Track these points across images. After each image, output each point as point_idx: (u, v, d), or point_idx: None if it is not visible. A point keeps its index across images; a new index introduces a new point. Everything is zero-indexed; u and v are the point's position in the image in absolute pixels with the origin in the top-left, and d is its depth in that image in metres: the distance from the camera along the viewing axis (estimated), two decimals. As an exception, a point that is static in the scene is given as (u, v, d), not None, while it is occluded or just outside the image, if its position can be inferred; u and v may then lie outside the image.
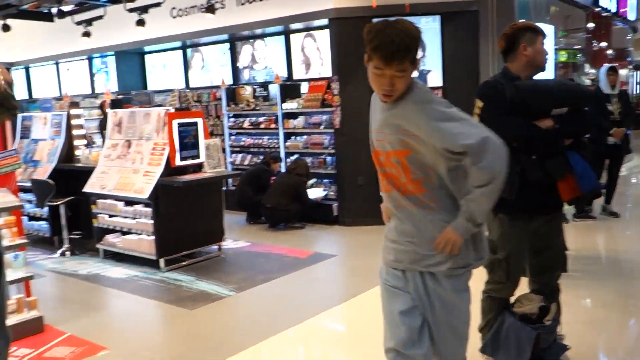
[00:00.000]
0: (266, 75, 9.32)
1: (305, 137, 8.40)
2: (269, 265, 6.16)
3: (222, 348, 4.09)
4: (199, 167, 6.37)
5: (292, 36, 8.80)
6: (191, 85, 10.52)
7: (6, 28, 10.02)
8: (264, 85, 9.23)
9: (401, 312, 2.42)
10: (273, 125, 8.75)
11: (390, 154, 2.36)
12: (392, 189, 2.42)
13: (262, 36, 9.25)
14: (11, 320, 4.26)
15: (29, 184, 6.96)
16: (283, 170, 8.34)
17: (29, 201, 7.21)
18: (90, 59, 12.18)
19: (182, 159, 6.14)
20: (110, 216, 6.52)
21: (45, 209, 7.16)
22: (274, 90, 8.77)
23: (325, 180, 8.29)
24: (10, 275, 4.26)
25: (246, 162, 9.22)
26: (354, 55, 6.60)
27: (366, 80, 2.33)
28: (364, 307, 4.80)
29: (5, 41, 12.71)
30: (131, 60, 11.54)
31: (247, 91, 9.34)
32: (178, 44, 10.38)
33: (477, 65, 7.61)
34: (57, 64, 12.88)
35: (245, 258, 6.56)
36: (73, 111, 7.74)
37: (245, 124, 9.19)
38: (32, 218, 7.55)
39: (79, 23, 9.86)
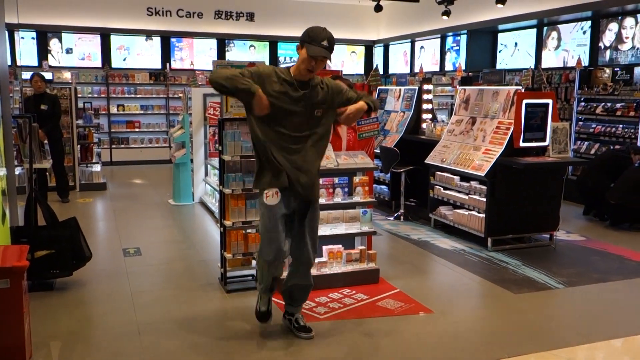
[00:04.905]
0: (631, 56, 8.36)
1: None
2: (606, 266, 5.62)
3: (544, 338, 3.93)
4: (542, 151, 6.12)
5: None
6: (542, 66, 10.11)
7: (378, 9, 11.11)
8: (628, 68, 8.31)
9: None
10: (632, 113, 7.88)
11: None
12: None
13: (634, 12, 8.31)
14: (354, 267, 4.86)
15: (377, 150, 7.70)
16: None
17: (376, 166, 7.98)
18: (443, 38, 12.71)
19: (526, 140, 5.98)
20: (445, 189, 6.77)
21: (388, 174, 7.84)
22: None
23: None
24: (358, 228, 4.84)
25: (592, 151, 8.50)
26: None
27: None
28: None
29: (372, 22, 14.15)
30: (482, 39, 11.64)
31: (606, 74, 8.54)
32: (534, 22, 10.04)
33: None
34: (412, 42, 13.79)
35: (579, 253, 6.10)
36: (425, 87, 8.21)
37: (598, 110, 8.46)
38: (376, 182, 8.34)
39: (440, 2, 10.30)
